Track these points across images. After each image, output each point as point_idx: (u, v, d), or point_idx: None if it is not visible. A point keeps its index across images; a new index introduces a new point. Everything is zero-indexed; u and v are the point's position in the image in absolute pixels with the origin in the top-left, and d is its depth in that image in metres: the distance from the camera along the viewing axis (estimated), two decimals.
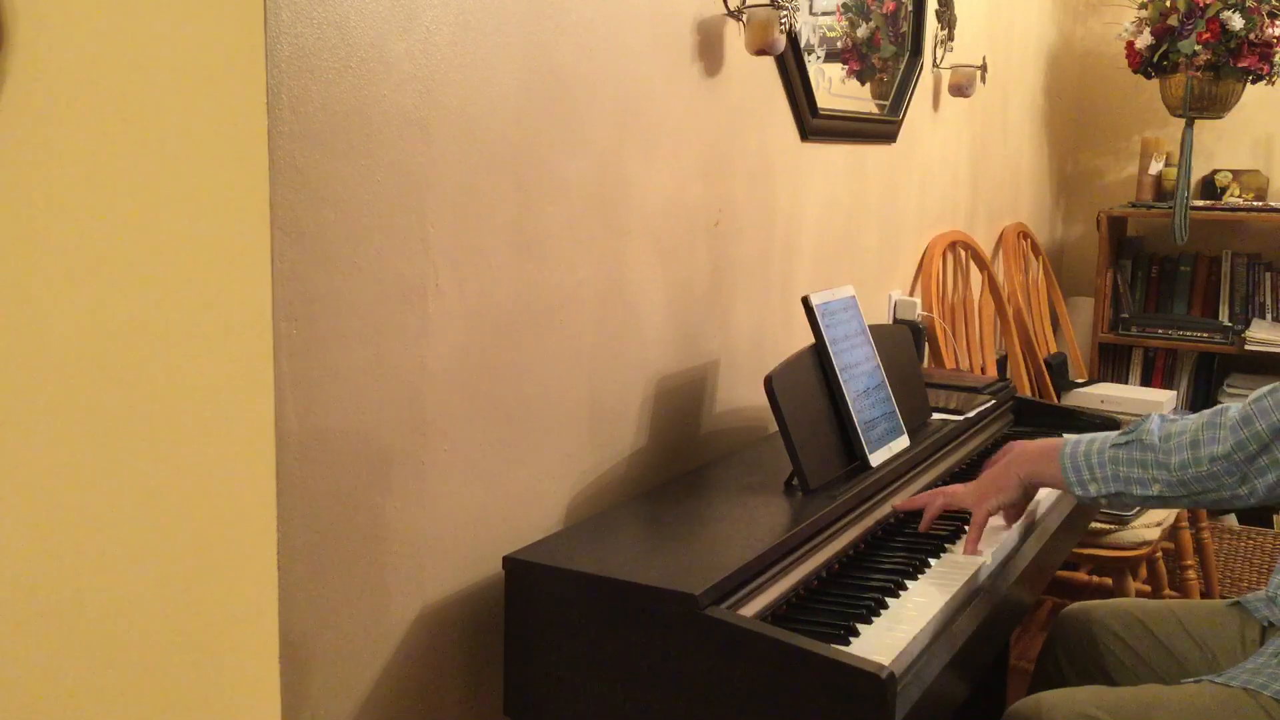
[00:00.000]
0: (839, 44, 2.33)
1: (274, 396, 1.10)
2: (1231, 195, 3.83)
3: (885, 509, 1.65)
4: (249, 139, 1.06)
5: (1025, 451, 1.59)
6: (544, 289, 1.49)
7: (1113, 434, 1.52)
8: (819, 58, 2.21)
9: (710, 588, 1.21)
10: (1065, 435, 1.58)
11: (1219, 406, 1.45)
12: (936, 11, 2.72)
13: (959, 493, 1.61)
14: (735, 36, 1.86)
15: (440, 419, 1.33)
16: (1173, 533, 2.81)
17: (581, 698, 1.27)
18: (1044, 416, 2.27)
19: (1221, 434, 1.42)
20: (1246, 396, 1.43)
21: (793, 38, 2.01)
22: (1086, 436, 1.54)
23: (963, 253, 3.06)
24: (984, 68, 2.91)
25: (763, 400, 1.55)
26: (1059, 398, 3.33)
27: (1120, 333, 3.88)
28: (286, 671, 1.15)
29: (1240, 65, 3.44)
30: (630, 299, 1.67)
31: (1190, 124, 3.62)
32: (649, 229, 1.70)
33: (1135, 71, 3.64)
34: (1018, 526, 1.64)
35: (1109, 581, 2.66)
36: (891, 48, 2.54)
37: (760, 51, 1.85)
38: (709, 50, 1.80)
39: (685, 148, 1.77)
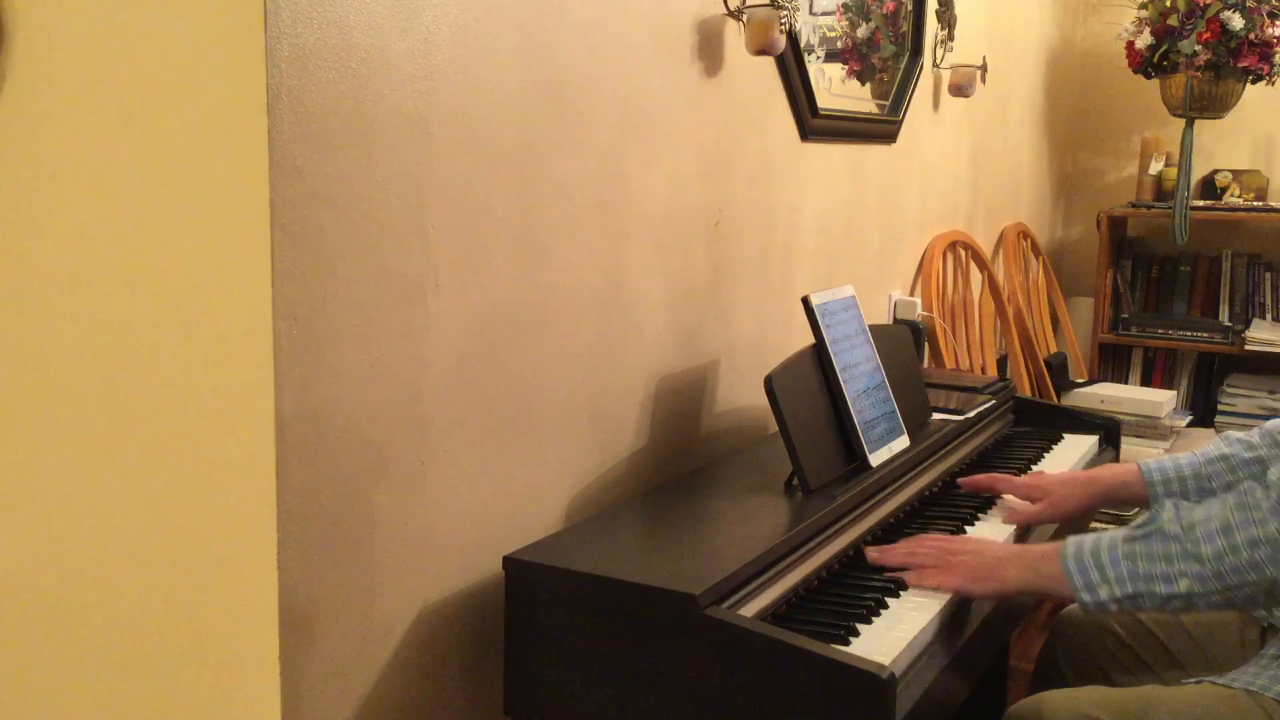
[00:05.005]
0: (839, 44, 2.33)
1: (274, 396, 1.10)
2: (1231, 195, 3.83)
3: (885, 509, 1.65)
4: (249, 139, 1.06)
5: (1021, 556, 1.39)
6: (544, 289, 1.49)
7: (1122, 530, 1.35)
8: (819, 58, 2.21)
9: (710, 588, 1.20)
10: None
11: (1242, 487, 1.30)
12: (936, 11, 2.72)
13: (940, 557, 1.42)
14: (735, 36, 1.86)
15: (440, 419, 1.33)
16: None
17: (581, 698, 1.27)
18: (1044, 416, 2.27)
19: (1258, 515, 1.26)
20: (1248, 397, 1.39)
21: (793, 38, 2.01)
22: (1090, 535, 1.36)
23: (963, 253, 3.06)
24: (984, 68, 2.91)
25: (763, 400, 1.55)
26: (1059, 398, 3.33)
27: (1120, 333, 3.87)
28: (286, 671, 1.15)
29: (1240, 65, 3.44)
30: (630, 299, 1.67)
31: (1190, 124, 3.62)
32: (649, 229, 1.70)
33: (1135, 71, 3.64)
34: (1011, 531, 1.63)
35: None
36: (891, 48, 2.54)
37: (760, 51, 1.85)
38: (709, 50, 1.80)
39: (685, 148, 1.77)
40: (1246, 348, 3.59)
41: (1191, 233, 3.65)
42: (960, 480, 1.81)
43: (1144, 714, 1.38)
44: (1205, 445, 1.71)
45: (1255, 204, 3.75)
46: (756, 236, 2.02)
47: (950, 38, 2.79)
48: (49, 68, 1.16)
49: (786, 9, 1.80)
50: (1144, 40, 3.54)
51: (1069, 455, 2.05)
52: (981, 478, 1.79)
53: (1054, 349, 3.59)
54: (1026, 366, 3.29)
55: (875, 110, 2.51)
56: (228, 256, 1.10)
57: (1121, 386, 3.65)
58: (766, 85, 2.01)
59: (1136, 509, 2.46)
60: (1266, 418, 1.71)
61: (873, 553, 1.47)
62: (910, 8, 2.61)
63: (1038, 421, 2.25)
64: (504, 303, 1.41)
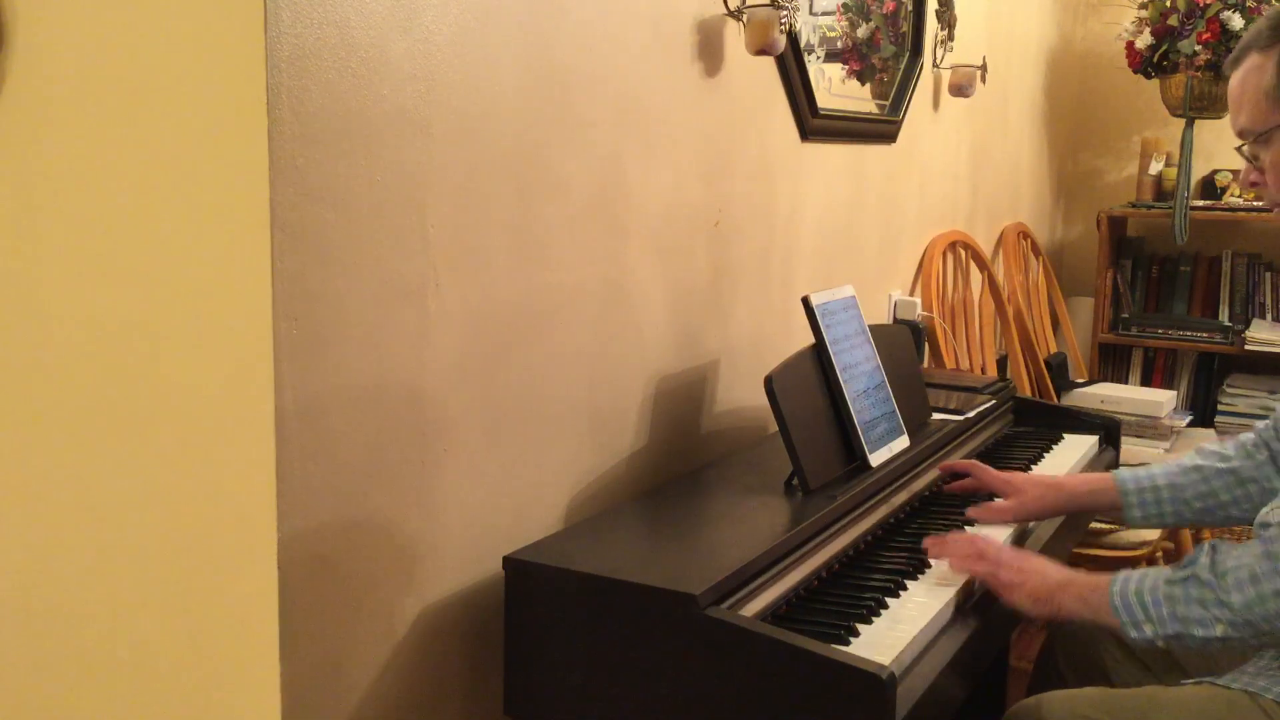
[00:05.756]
0: (839, 44, 2.33)
1: (274, 396, 1.10)
2: (1231, 195, 3.83)
3: (885, 509, 1.65)
4: (249, 139, 1.06)
5: (1071, 585, 1.41)
6: (544, 289, 1.48)
7: (1165, 570, 1.38)
8: (819, 58, 2.21)
9: (710, 588, 1.21)
10: (1115, 573, 1.40)
11: (1268, 534, 1.31)
12: (936, 11, 2.72)
13: (1000, 567, 1.44)
14: (735, 36, 1.86)
15: (440, 419, 1.33)
16: (1173, 533, 2.81)
17: (581, 698, 1.27)
18: (1044, 416, 2.27)
19: None
20: (1248, 397, 1.38)
21: (793, 38, 2.01)
22: (1136, 573, 1.38)
23: (963, 253, 3.06)
24: (984, 68, 2.91)
25: (763, 400, 1.55)
26: (1059, 398, 3.33)
27: (1120, 333, 3.87)
28: (287, 671, 1.15)
29: None
30: (630, 299, 1.67)
31: (1190, 124, 3.62)
32: (649, 229, 1.70)
33: (1135, 71, 3.64)
34: (1008, 535, 1.63)
35: None
36: (891, 48, 2.54)
37: (760, 51, 1.85)
38: (709, 50, 1.80)
39: (685, 148, 1.77)
40: (1246, 348, 3.59)
41: (1191, 233, 3.65)
42: (942, 465, 1.82)
43: (1143, 715, 1.38)
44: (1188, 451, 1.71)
45: (1255, 204, 3.74)
46: (756, 236, 2.02)
47: (950, 38, 2.79)
48: (49, 68, 1.16)
49: (786, 9, 1.80)
50: (1144, 40, 3.54)
51: (1069, 455, 2.05)
52: (961, 462, 1.82)
53: (1054, 349, 3.59)
54: (1026, 366, 3.29)
55: (875, 110, 2.51)
56: (228, 256, 1.10)
57: (1121, 386, 3.65)
58: (766, 85, 2.01)
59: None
60: (1265, 418, 1.71)
61: (932, 547, 1.49)
62: (910, 8, 2.61)
63: (1038, 421, 2.25)
64: (504, 303, 1.41)
